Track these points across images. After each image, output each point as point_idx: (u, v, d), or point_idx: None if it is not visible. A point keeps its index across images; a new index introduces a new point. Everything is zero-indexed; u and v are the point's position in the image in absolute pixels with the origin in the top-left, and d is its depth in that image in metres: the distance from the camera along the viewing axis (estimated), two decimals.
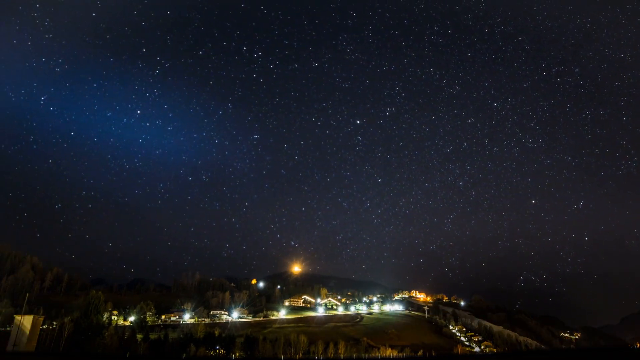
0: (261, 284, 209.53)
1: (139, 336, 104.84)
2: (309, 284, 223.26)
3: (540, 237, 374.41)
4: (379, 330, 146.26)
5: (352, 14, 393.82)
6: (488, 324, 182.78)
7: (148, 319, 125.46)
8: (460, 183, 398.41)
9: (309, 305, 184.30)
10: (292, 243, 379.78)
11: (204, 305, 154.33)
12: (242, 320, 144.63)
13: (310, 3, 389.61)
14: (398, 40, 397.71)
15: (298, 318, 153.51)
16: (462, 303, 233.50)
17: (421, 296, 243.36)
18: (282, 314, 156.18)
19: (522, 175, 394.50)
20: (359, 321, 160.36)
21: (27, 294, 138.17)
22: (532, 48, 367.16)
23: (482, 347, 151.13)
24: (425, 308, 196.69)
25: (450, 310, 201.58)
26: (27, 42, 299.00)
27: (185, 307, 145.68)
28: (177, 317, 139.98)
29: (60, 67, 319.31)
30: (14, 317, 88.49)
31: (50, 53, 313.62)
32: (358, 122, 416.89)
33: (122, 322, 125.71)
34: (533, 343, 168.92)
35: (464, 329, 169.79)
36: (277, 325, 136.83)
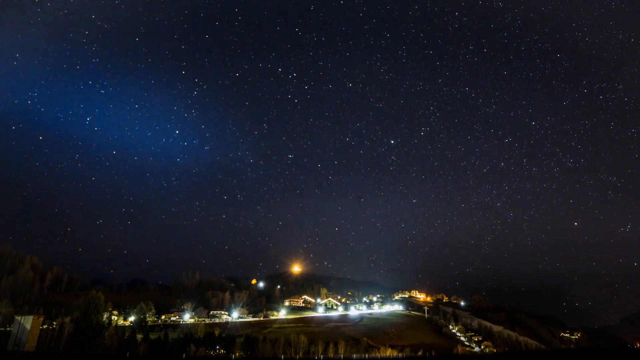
0: (261, 284, 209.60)
1: (139, 336, 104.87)
2: (309, 284, 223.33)
3: (584, 261, 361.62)
4: (379, 330, 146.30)
5: (386, 34, 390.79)
6: (488, 324, 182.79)
7: (148, 319, 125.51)
8: (498, 204, 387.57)
9: (309, 305, 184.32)
10: (325, 263, 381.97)
11: (204, 305, 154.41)
12: (242, 320, 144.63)
13: (344, 24, 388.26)
14: (432, 60, 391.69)
15: (298, 318, 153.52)
16: (462, 303, 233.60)
17: (421, 296, 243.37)
18: (282, 314, 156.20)
19: (563, 197, 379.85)
20: (359, 321, 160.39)
21: (27, 294, 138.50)
22: (572, 65, 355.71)
23: (482, 347, 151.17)
24: (425, 308, 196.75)
25: (450, 310, 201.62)
26: (76, 66, 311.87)
27: (185, 307, 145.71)
28: (177, 317, 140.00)
29: (105, 89, 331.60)
30: (14, 317, 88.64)
31: (97, 76, 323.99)
32: (392, 142, 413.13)
33: (122, 322, 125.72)
34: (533, 343, 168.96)
35: (464, 329, 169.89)
36: (277, 325, 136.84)
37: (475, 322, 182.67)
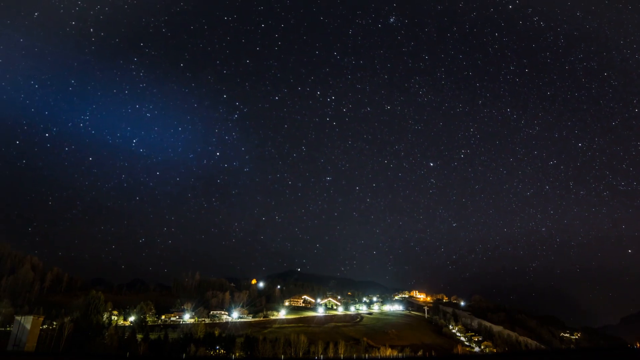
0: (261, 284, 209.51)
1: (139, 336, 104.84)
2: (309, 284, 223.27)
3: None
4: (379, 330, 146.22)
5: (424, 56, 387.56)
6: (488, 324, 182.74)
7: (148, 319, 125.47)
8: (543, 229, 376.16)
9: (309, 305, 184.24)
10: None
11: (204, 305, 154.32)
12: (242, 320, 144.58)
13: (382, 47, 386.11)
14: (472, 81, 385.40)
15: (298, 318, 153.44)
16: (462, 303, 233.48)
17: (421, 296, 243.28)
18: (282, 314, 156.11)
19: (614, 222, 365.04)
20: (359, 321, 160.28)
21: (27, 294, 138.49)
22: (621, 83, 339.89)
23: (482, 347, 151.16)
24: (425, 308, 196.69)
25: (450, 310, 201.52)
26: (124, 90, 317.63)
27: (185, 307, 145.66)
28: (177, 317, 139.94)
29: (150, 113, 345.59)
30: (14, 317, 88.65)
31: (143, 100, 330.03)
32: (432, 164, 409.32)
33: (122, 322, 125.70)
34: (533, 343, 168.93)
35: (464, 329, 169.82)
36: (277, 325, 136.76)
37: (475, 322, 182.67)
